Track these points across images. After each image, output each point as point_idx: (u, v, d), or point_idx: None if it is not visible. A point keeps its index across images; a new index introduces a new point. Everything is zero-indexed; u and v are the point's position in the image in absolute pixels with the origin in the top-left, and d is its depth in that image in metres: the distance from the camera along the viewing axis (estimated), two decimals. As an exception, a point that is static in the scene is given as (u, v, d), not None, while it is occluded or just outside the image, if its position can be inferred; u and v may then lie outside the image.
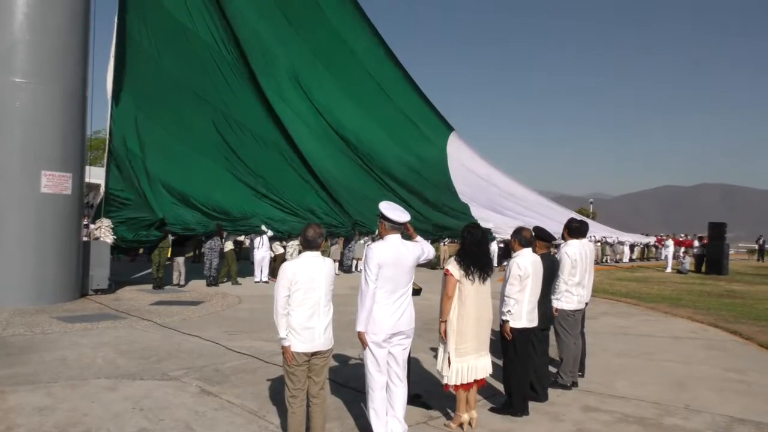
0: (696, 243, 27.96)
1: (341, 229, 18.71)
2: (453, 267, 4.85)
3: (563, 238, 6.58)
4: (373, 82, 23.99)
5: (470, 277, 4.81)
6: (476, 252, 4.88)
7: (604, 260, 29.92)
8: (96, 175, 16.97)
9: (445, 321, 4.84)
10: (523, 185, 30.88)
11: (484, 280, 4.88)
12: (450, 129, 27.30)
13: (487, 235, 5.09)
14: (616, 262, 31.40)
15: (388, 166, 22.97)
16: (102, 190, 14.28)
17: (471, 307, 4.80)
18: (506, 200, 27.33)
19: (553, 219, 25.04)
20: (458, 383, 4.80)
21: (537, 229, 6.23)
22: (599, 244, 28.73)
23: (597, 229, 31.28)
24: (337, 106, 22.08)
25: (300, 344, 4.17)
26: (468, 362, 4.81)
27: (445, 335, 4.84)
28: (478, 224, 5.38)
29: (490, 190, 27.34)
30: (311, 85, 21.48)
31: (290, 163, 19.11)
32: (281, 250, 16.80)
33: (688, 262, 25.95)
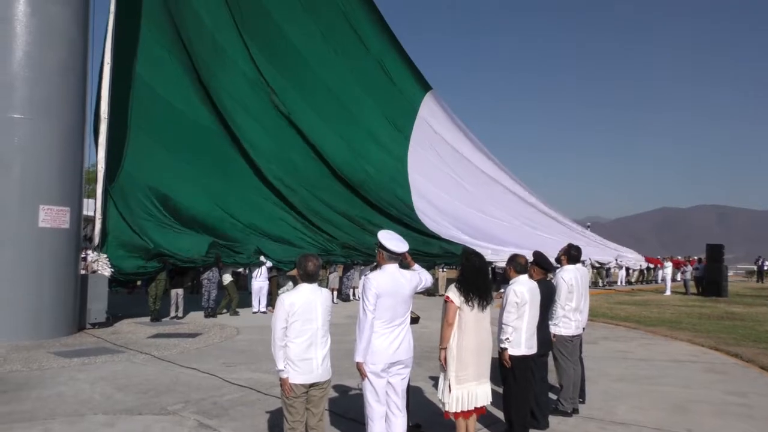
0: (696, 264, 28.06)
1: (337, 257, 18.41)
2: (453, 294, 4.88)
3: (558, 261, 6.58)
4: (347, 25, 21.80)
5: (470, 303, 4.83)
6: (475, 279, 4.91)
7: (599, 283, 29.81)
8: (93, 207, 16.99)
9: (445, 348, 4.85)
10: (497, 169, 26.36)
11: (484, 307, 4.89)
12: (426, 88, 24.07)
13: (485, 263, 5.12)
14: (612, 284, 31.28)
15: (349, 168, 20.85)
16: (98, 220, 14.24)
17: (470, 334, 4.81)
18: (469, 187, 24.21)
19: (493, 221, 23.34)
20: (459, 410, 4.79)
21: (536, 254, 6.25)
22: (594, 270, 28.51)
23: (599, 248, 30.39)
24: (310, 50, 20.65)
25: (298, 376, 4.17)
26: (468, 389, 4.80)
27: (445, 362, 4.84)
28: (477, 252, 5.44)
29: (458, 173, 24.04)
30: (282, 22, 20.02)
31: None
32: (274, 273, 16.63)
33: (689, 272, 26.19)
